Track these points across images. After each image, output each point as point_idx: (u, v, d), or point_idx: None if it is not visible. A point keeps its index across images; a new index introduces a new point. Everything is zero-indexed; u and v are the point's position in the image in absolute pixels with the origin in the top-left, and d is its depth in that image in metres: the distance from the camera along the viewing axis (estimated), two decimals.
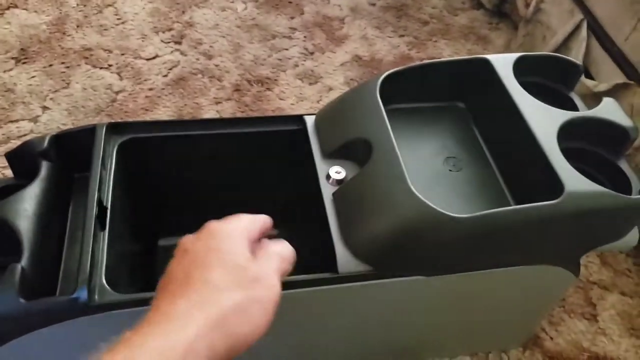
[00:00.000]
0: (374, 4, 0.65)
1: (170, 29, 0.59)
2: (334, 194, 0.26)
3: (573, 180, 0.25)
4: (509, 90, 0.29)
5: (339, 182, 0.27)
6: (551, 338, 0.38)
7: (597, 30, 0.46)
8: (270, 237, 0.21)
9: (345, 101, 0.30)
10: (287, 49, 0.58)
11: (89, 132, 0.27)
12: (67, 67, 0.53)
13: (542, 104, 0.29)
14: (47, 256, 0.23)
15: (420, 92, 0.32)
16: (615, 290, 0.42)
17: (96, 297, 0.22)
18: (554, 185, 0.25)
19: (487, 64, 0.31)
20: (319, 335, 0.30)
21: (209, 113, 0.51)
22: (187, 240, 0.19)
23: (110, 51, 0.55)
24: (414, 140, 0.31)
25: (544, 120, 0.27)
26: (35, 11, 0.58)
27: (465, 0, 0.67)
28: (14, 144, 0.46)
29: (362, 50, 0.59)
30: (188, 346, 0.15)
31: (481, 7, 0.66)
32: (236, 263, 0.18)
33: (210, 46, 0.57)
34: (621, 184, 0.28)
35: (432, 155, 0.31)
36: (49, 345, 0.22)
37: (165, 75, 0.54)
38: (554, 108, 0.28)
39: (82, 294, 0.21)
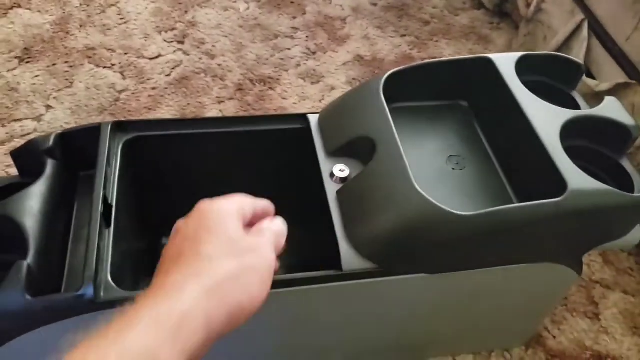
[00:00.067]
0: (375, 4, 0.65)
1: (173, 29, 0.59)
2: (337, 192, 0.26)
3: (576, 178, 0.25)
4: (512, 89, 0.29)
5: (342, 180, 0.27)
6: (554, 337, 0.38)
7: (598, 30, 0.46)
8: None
9: (349, 100, 0.30)
10: (289, 49, 0.58)
11: (93, 131, 0.28)
12: (71, 66, 0.53)
13: (545, 102, 0.29)
14: (52, 253, 0.24)
15: (423, 91, 0.32)
16: (618, 289, 0.42)
17: (102, 293, 0.22)
18: (557, 184, 0.25)
19: (489, 63, 0.31)
20: (323, 332, 0.30)
21: (212, 112, 0.51)
22: (179, 222, 0.19)
23: (113, 51, 0.55)
24: (417, 138, 0.31)
25: (546, 119, 0.28)
26: (39, 11, 0.58)
27: (466, 0, 0.67)
28: (18, 142, 0.46)
29: (364, 50, 0.59)
30: (183, 313, 0.15)
31: (482, 7, 0.66)
32: (228, 236, 0.18)
33: (213, 46, 0.57)
34: (623, 183, 0.28)
35: (435, 153, 0.31)
36: (55, 342, 0.22)
37: (168, 75, 0.54)
38: (556, 107, 0.29)
39: (88, 291, 0.21)
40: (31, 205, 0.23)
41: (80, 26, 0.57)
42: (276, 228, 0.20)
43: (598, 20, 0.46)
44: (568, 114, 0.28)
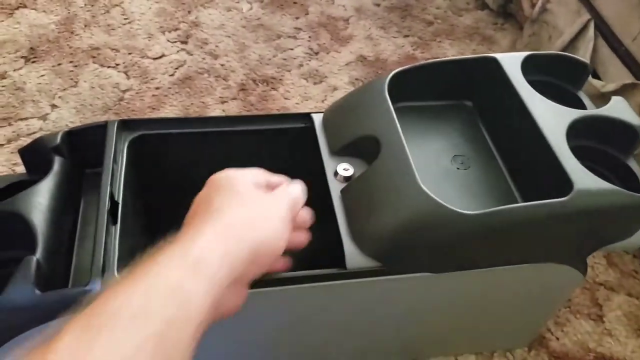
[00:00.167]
0: (378, 5, 0.65)
1: (176, 29, 0.59)
2: (342, 191, 0.26)
3: (582, 177, 0.25)
4: (517, 89, 0.29)
5: (346, 179, 0.27)
6: (557, 338, 0.38)
7: (604, 30, 0.46)
8: None
9: (354, 99, 0.30)
10: (292, 49, 0.58)
11: (100, 129, 0.28)
12: (75, 66, 0.54)
13: (551, 102, 0.29)
14: (60, 249, 0.24)
15: (427, 90, 0.32)
16: (622, 292, 0.42)
17: None
18: (563, 183, 0.25)
19: (495, 62, 0.31)
20: (325, 331, 0.30)
21: (215, 112, 0.51)
22: (195, 196, 0.20)
23: (117, 50, 0.56)
24: (422, 138, 0.31)
25: (552, 119, 0.27)
26: (44, 11, 0.59)
27: (470, 0, 0.67)
28: (24, 141, 0.47)
29: (367, 50, 0.59)
30: (200, 250, 0.15)
31: (486, 7, 0.66)
32: (237, 190, 0.18)
33: (216, 46, 0.58)
34: (630, 183, 0.27)
35: (439, 153, 0.31)
36: None
37: (172, 75, 0.54)
38: (562, 106, 0.28)
39: (96, 286, 0.21)
40: (39, 202, 0.23)
41: (85, 26, 0.58)
42: (292, 189, 0.21)
43: (604, 21, 0.46)
44: (574, 113, 0.28)
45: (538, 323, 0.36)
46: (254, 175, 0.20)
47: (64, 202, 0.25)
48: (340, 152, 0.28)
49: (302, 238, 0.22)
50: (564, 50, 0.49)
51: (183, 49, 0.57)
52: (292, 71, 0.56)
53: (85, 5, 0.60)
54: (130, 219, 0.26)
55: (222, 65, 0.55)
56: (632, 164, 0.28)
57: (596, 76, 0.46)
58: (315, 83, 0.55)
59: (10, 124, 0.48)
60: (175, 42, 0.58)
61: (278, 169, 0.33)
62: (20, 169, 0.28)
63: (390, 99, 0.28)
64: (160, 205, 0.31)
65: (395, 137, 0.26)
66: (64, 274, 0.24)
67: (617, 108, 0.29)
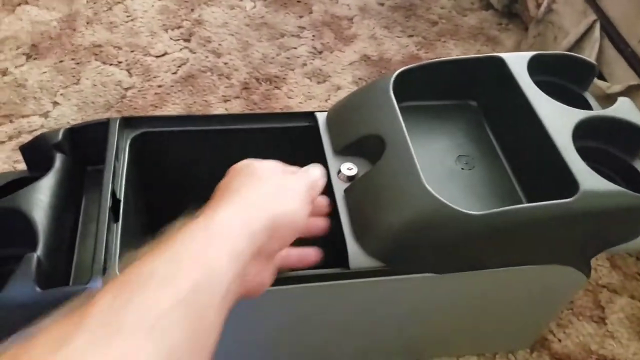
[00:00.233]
0: (382, 4, 0.65)
1: (179, 27, 0.59)
2: (345, 190, 0.26)
3: (588, 179, 0.24)
4: (523, 89, 0.29)
5: (350, 178, 0.27)
6: (559, 340, 0.38)
7: (610, 31, 0.45)
8: None
9: (358, 98, 0.30)
10: (295, 48, 0.58)
11: (102, 126, 0.28)
12: (77, 63, 0.54)
13: (557, 102, 0.28)
14: (61, 247, 0.24)
15: (432, 90, 0.32)
16: (625, 294, 0.41)
17: None
18: (568, 184, 0.24)
19: (501, 62, 0.30)
20: (328, 330, 0.30)
21: (218, 111, 0.51)
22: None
23: (119, 48, 0.56)
24: (426, 138, 0.31)
25: (558, 119, 0.27)
26: (46, 8, 0.59)
27: (475, 0, 0.67)
28: (25, 138, 0.47)
29: (371, 50, 0.59)
30: (220, 221, 0.16)
31: (490, 7, 0.65)
32: (255, 173, 0.19)
33: (219, 44, 0.57)
34: (636, 184, 0.27)
35: (444, 153, 0.31)
36: None
37: (175, 73, 0.54)
38: (568, 107, 0.28)
39: (97, 284, 0.21)
40: (40, 199, 0.23)
41: (87, 23, 0.58)
42: (311, 171, 0.22)
43: (610, 21, 0.45)
44: (580, 114, 0.28)
45: (540, 325, 0.36)
46: (273, 163, 0.21)
47: (65, 199, 0.25)
48: (344, 151, 0.28)
49: (321, 224, 0.22)
50: (569, 50, 0.49)
51: (186, 47, 0.57)
52: (296, 70, 0.55)
53: (87, 2, 0.60)
54: (132, 216, 0.26)
55: (225, 63, 0.55)
56: (638, 165, 0.28)
57: (601, 77, 0.46)
58: (318, 82, 0.55)
59: (11, 121, 0.48)
60: (178, 40, 0.57)
61: None
62: (22, 166, 0.27)
63: (395, 98, 0.28)
64: (162, 204, 0.31)
65: (399, 137, 0.26)
66: (65, 272, 0.24)
67: (624, 109, 0.29)
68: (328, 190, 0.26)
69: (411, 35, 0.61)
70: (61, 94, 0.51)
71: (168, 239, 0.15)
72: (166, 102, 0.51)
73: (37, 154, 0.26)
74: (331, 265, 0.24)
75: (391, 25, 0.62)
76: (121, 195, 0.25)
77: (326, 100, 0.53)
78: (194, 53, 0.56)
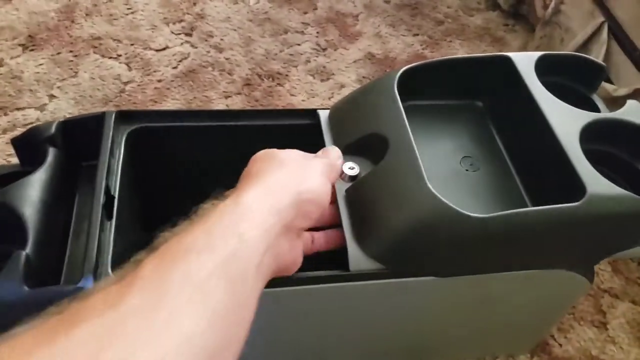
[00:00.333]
0: (388, 2, 0.64)
1: (181, 21, 0.58)
2: (347, 191, 0.26)
3: (595, 182, 0.24)
4: (531, 89, 0.28)
5: (352, 178, 0.26)
6: (560, 345, 0.38)
7: (618, 33, 0.45)
8: None
9: (361, 95, 0.29)
10: (299, 44, 0.57)
11: (97, 119, 0.27)
12: (76, 55, 0.53)
13: (565, 104, 0.28)
14: (52, 244, 0.23)
15: (437, 89, 0.31)
16: (626, 299, 0.41)
17: None
18: (575, 188, 0.24)
19: (508, 61, 0.30)
20: (327, 333, 0.29)
21: (218, 107, 0.50)
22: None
23: (119, 41, 0.55)
24: (430, 138, 0.31)
25: (566, 121, 0.27)
26: None
27: (481, 0, 0.66)
28: (20, 131, 0.45)
29: (376, 48, 0.58)
30: (245, 204, 0.17)
31: (497, 8, 0.65)
32: (279, 158, 0.20)
33: (221, 39, 0.56)
34: None
35: (448, 154, 0.30)
36: None
37: (175, 67, 0.53)
38: (576, 109, 0.28)
39: (88, 283, 0.21)
40: (31, 194, 0.23)
41: (86, 15, 0.57)
42: (329, 153, 0.23)
43: (619, 23, 0.45)
44: (588, 116, 0.27)
45: (542, 329, 0.36)
46: (292, 150, 0.22)
47: (58, 195, 0.24)
48: (346, 150, 0.27)
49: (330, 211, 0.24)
50: (576, 52, 0.48)
51: (187, 42, 0.56)
52: (299, 67, 0.55)
53: None
54: (127, 214, 0.25)
55: (227, 59, 0.54)
56: None
57: (608, 80, 0.45)
58: (322, 80, 0.54)
59: (6, 114, 0.47)
60: (180, 34, 0.56)
61: None
62: (16, 160, 0.27)
63: (399, 96, 0.27)
64: (158, 201, 0.31)
65: (403, 137, 0.25)
66: (56, 270, 0.23)
67: (632, 112, 0.28)
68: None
69: (417, 34, 0.60)
70: (58, 87, 0.50)
71: (201, 217, 0.16)
72: (166, 97, 0.50)
73: (29, 147, 0.25)
74: (331, 267, 0.24)
75: (397, 23, 0.61)
76: (115, 192, 0.24)
77: (329, 98, 0.52)
78: (195, 48, 0.55)
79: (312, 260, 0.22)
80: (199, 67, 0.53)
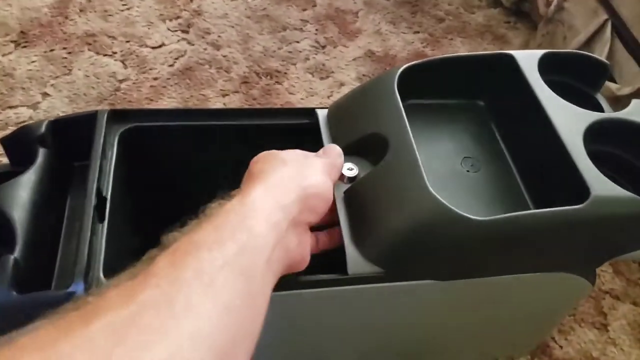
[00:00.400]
0: None
1: (177, 17, 0.57)
2: (345, 192, 0.25)
3: (600, 184, 0.23)
4: (534, 88, 0.27)
5: (351, 179, 0.25)
6: (560, 347, 0.38)
7: (622, 32, 0.44)
8: None
9: (361, 94, 0.29)
10: (298, 42, 0.56)
11: (89, 119, 0.26)
12: (69, 52, 0.52)
13: (569, 103, 0.27)
14: (42, 248, 0.22)
15: (438, 87, 0.31)
16: (627, 300, 0.41)
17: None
18: (579, 190, 0.23)
19: (511, 60, 0.29)
20: (325, 337, 0.29)
21: (216, 105, 0.50)
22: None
23: (114, 38, 0.54)
24: (431, 138, 0.30)
25: (570, 121, 0.26)
26: None
27: None
28: (12, 130, 0.45)
29: (376, 46, 0.57)
30: (253, 202, 0.17)
31: (499, 5, 0.64)
32: (281, 157, 0.20)
33: (219, 36, 0.56)
34: None
35: (449, 154, 0.30)
36: None
37: (171, 65, 0.52)
38: (580, 108, 0.27)
39: (79, 288, 0.20)
40: (20, 195, 0.22)
41: (80, 11, 0.56)
42: (330, 151, 0.23)
43: (622, 21, 0.44)
44: (592, 116, 0.27)
45: (543, 331, 0.35)
46: (293, 150, 0.22)
47: (48, 197, 0.23)
48: (345, 150, 0.27)
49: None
50: (579, 50, 0.47)
51: (184, 39, 0.55)
52: (298, 65, 0.54)
53: None
54: (120, 217, 0.25)
55: (224, 56, 0.54)
56: None
57: (611, 79, 0.45)
58: (321, 78, 0.53)
59: None
60: (176, 31, 0.56)
61: None
62: (7, 160, 0.26)
63: (400, 95, 0.26)
64: (153, 203, 0.30)
65: (403, 137, 0.24)
66: (47, 274, 0.22)
67: (637, 112, 0.28)
68: None
69: (417, 32, 0.60)
70: (51, 85, 0.49)
71: (209, 216, 0.17)
72: (162, 96, 0.50)
73: (19, 147, 0.25)
74: (329, 271, 0.23)
75: (397, 20, 0.60)
76: (108, 194, 0.24)
77: (328, 97, 0.52)
78: (192, 45, 0.54)
79: (309, 264, 0.22)
80: (195, 64, 0.53)
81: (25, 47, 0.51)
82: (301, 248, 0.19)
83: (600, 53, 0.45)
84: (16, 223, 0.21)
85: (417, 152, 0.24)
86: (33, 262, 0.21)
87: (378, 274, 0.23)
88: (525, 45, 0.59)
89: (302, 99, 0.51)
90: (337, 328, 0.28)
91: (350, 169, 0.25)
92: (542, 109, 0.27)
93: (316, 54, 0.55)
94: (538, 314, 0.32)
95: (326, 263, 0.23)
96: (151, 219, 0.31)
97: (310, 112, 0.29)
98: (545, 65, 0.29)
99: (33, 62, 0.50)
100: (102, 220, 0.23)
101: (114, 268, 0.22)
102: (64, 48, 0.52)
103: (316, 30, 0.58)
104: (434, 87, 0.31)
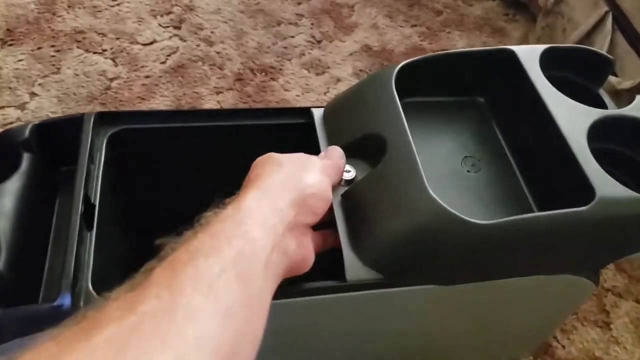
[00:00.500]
0: None
1: (169, 13, 0.56)
2: (342, 195, 0.24)
3: (605, 184, 0.23)
4: (536, 85, 0.27)
5: (348, 182, 0.25)
6: (563, 346, 0.37)
7: (623, 24, 0.43)
8: None
9: (357, 93, 0.28)
10: (293, 37, 0.55)
11: (75, 122, 0.25)
12: (58, 50, 0.50)
13: (571, 100, 0.26)
14: (28, 259, 0.21)
15: (437, 85, 0.30)
16: (630, 298, 0.41)
17: (82, 303, 0.20)
18: (583, 190, 0.23)
19: (511, 55, 0.28)
20: (324, 345, 0.28)
21: (209, 103, 0.49)
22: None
23: (104, 35, 0.52)
24: (430, 137, 0.29)
25: (573, 118, 0.25)
26: None
27: None
28: None
29: (372, 40, 0.56)
30: (248, 207, 0.17)
31: None
32: (278, 161, 0.20)
33: (212, 32, 0.54)
34: None
35: (449, 154, 0.29)
36: None
37: (163, 62, 0.51)
38: (583, 105, 0.26)
39: (66, 301, 0.19)
40: (3, 204, 0.21)
41: (68, 7, 0.54)
42: (330, 152, 0.23)
43: (623, 13, 0.43)
44: (596, 113, 0.26)
45: (545, 332, 0.35)
46: (293, 153, 0.22)
47: (34, 204, 0.23)
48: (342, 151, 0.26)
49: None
50: (579, 44, 0.47)
51: (176, 35, 0.54)
52: (293, 60, 0.53)
53: None
54: (109, 224, 0.24)
55: (217, 52, 0.52)
56: None
57: (612, 72, 0.44)
58: (317, 74, 0.52)
59: None
60: (168, 27, 0.54)
61: None
62: None
63: (397, 93, 0.25)
64: (143, 209, 0.29)
65: (402, 137, 0.24)
66: (33, 287, 0.21)
67: None
68: None
69: (415, 25, 0.58)
70: (39, 84, 0.48)
71: (204, 225, 0.17)
72: (154, 94, 0.48)
73: (2, 152, 0.24)
74: (327, 277, 0.23)
75: (394, 14, 0.59)
76: (96, 200, 0.23)
77: (325, 93, 0.51)
78: (185, 41, 0.53)
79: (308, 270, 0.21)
80: (188, 61, 0.51)
81: (11, 45, 0.50)
82: (301, 251, 0.19)
83: (600, 46, 0.44)
84: (0, 233, 0.20)
85: (416, 154, 0.23)
86: (18, 275, 0.20)
87: (377, 279, 0.23)
88: (524, 38, 0.58)
89: (297, 95, 0.50)
90: (336, 334, 0.27)
91: (347, 171, 0.25)
92: (544, 106, 0.26)
93: (312, 49, 0.54)
94: (540, 315, 0.31)
95: (324, 269, 0.23)
96: (141, 225, 0.30)
97: (306, 112, 0.28)
98: (547, 61, 0.28)
99: (20, 60, 0.49)
100: (90, 228, 0.22)
101: (103, 278, 0.21)
102: (52, 46, 0.51)
103: (312, 24, 0.57)
104: (433, 84, 0.30)
